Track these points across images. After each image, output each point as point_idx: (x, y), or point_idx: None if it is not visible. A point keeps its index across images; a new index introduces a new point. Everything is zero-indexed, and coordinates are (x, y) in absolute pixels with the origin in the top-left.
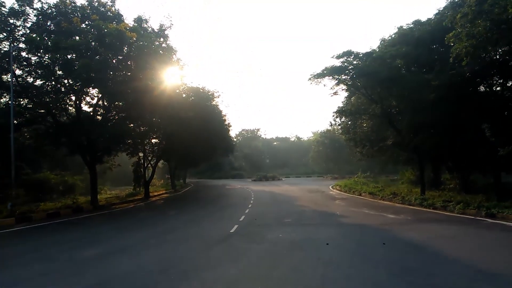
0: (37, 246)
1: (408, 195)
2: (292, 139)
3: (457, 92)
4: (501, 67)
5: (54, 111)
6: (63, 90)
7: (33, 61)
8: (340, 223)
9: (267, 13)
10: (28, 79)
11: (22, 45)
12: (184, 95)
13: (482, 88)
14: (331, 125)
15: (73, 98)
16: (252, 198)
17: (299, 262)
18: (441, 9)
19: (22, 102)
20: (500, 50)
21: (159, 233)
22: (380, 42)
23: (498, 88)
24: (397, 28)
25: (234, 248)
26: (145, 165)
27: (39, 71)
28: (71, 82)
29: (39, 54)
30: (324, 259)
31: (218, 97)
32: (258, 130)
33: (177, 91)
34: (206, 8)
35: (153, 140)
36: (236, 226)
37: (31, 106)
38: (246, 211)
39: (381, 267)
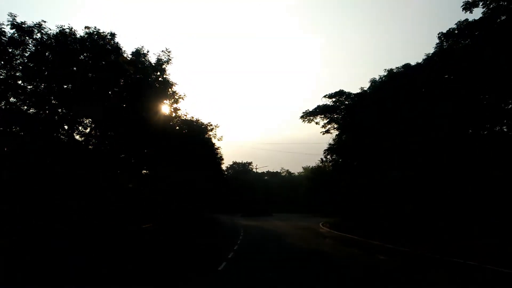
0: None
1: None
2: (283, 174)
3: None
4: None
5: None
6: (56, 118)
7: (28, 89)
8: (332, 268)
9: (264, 51)
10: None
11: (18, 73)
12: (177, 128)
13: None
14: (322, 161)
15: (66, 127)
16: (242, 234)
17: None
18: (430, 54)
19: (14, 130)
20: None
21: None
22: (371, 84)
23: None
24: (387, 70)
25: None
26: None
27: (34, 99)
28: (65, 112)
29: (35, 83)
30: None
31: (212, 130)
32: (249, 164)
33: (171, 123)
34: (204, 44)
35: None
36: (224, 264)
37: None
38: (235, 248)
39: None
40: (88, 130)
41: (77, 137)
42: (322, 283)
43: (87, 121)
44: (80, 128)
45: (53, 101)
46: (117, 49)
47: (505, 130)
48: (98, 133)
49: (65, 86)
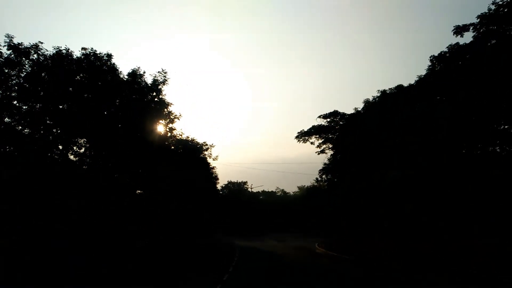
0: None
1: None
2: (278, 194)
3: None
4: None
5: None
6: (51, 138)
7: (23, 109)
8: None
9: (262, 75)
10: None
11: (14, 94)
12: (172, 147)
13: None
14: (317, 181)
15: (60, 147)
16: (237, 255)
17: None
18: (422, 76)
19: (8, 150)
20: None
21: None
22: (364, 104)
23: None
24: (380, 91)
25: None
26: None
27: (29, 119)
28: (59, 132)
29: (30, 104)
30: None
31: (207, 150)
32: (245, 183)
33: (166, 143)
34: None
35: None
36: (219, 287)
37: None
38: (230, 269)
39: None
40: (82, 150)
41: (71, 157)
42: None
43: (82, 141)
44: (74, 148)
45: (48, 121)
46: (113, 69)
47: (498, 150)
48: (92, 153)
49: (61, 106)
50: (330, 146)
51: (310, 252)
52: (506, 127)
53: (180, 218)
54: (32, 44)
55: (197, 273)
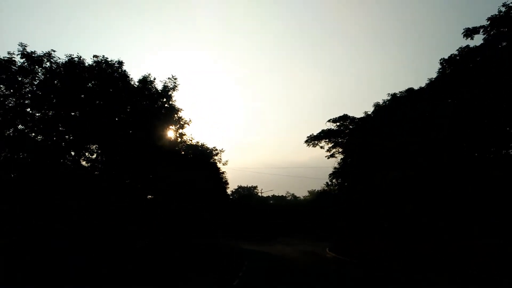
0: None
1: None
2: (288, 198)
3: None
4: None
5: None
6: (63, 145)
7: (36, 117)
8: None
9: (271, 79)
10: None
11: (27, 101)
12: (182, 152)
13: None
14: (328, 185)
15: (73, 153)
16: (247, 261)
17: None
18: (433, 79)
19: (21, 156)
20: None
21: None
22: (374, 108)
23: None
24: (390, 95)
25: None
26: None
27: (41, 126)
28: (72, 138)
29: (43, 111)
30: None
31: (217, 155)
32: (255, 188)
33: (176, 148)
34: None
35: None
36: None
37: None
38: (240, 274)
39: None
40: (94, 156)
41: (83, 163)
42: None
43: (94, 147)
44: (86, 154)
45: (60, 128)
46: (124, 76)
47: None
48: (104, 159)
49: (73, 113)
50: (340, 150)
51: (319, 257)
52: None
53: (189, 223)
54: (45, 52)
55: (201, 275)
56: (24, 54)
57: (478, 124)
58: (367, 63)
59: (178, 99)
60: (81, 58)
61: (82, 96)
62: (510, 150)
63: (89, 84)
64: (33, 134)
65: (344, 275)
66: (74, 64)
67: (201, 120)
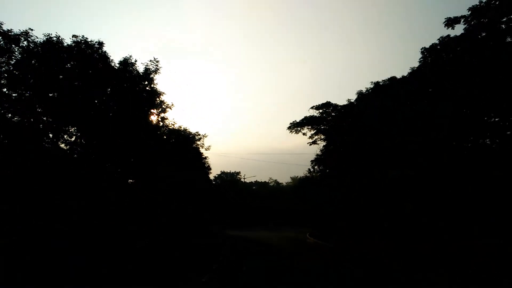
0: None
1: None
2: (271, 184)
3: None
4: None
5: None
6: (41, 127)
7: (13, 97)
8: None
9: (256, 63)
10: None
11: (3, 81)
12: (165, 137)
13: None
14: (310, 172)
15: (51, 135)
16: (228, 244)
17: None
18: (415, 68)
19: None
20: None
21: None
22: (357, 96)
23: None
24: (374, 83)
25: None
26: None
27: (18, 107)
28: (50, 120)
29: (20, 91)
30: None
31: (200, 140)
32: (238, 173)
33: (159, 132)
34: (195, 55)
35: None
36: (208, 276)
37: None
38: (220, 258)
39: None
40: (73, 138)
41: (62, 145)
42: None
43: (73, 130)
44: (65, 136)
45: (38, 109)
46: (104, 57)
47: (488, 142)
48: (83, 142)
49: (51, 94)
50: (322, 137)
51: (300, 242)
52: (496, 119)
53: (169, 208)
54: (22, 31)
55: (185, 261)
56: (0, 33)
57: (468, 116)
58: (353, 51)
59: (161, 84)
60: (60, 38)
61: (61, 77)
62: (487, 140)
63: (68, 64)
64: (9, 115)
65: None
66: (52, 44)
67: (184, 106)
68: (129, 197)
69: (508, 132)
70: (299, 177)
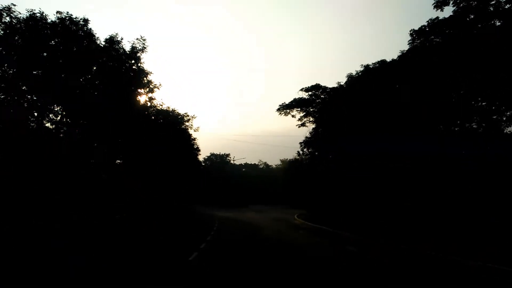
0: None
1: (368, 228)
2: (261, 166)
3: None
4: None
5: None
6: (26, 106)
7: None
8: (302, 257)
9: (244, 44)
10: None
11: None
12: (153, 117)
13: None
14: (299, 154)
15: (36, 114)
16: (216, 225)
17: None
18: (404, 51)
19: None
20: None
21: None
22: (347, 78)
23: None
24: (364, 66)
25: (189, 280)
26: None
27: (2, 85)
28: (35, 98)
29: (3, 69)
30: None
31: (188, 121)
32: (227, 155)
33: (146, 113)
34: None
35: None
36: (195, 254)
37: None
38: (208, 238)
39: None
40: (59, 117)
41: (48, 124)
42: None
43: (58, 109)
44: (50, 115)
45: (22, 87)
46: (90, 35)
47: (474, 126)
48: (69, 121)
49: (35, 72)
50: (311, 119)
51: (288, 223)
52: (483, 103)
53: (159, 189)
54: (4, 6)
55: (176, 242)
56: None
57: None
58: (344, 34)
59: (149, 64)
60: (44, 14)
61: (45, 54)
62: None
63: (52, 41)
64: None
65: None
66: (36, 20)
67: (173, 86)
68: (117, 177)
69: (494, 117)
70: (288, 159)
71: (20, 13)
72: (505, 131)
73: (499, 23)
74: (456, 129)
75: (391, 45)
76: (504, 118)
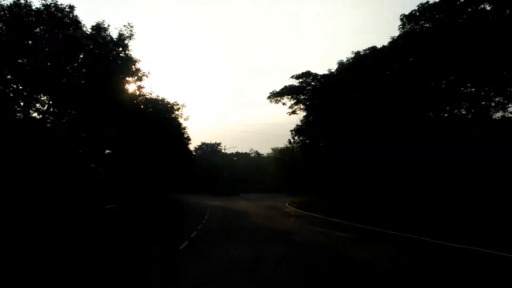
0: None
1: (357, 214)
2: (252, 155)
3: None
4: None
5: None
6: (11, 95)
7: None
8: (291, 241)
9: (233, 33)
10: None
11: None
12: (142, 107)
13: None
14: (290, 142)
15: (22, 104)
16: (207, 214)
17: (244, 282)
18: (395, 37)
19: None
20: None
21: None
22: (338, 65)
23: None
24: (354, 53)
25: (179, 267)
26: (97, 177)
27: None
28: (20, 88)
29: None
30: (270, 279)
31: (178, 110)
32: (218, 144)
33: (135, 101)
34: (172, 21)
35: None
36: (186, 243)
37: None
38: (199, 227)
39: (325, 285)
40: (45, 107)
41: (35, 114)
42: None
43: (45, 98)
44: (37, 105)
45: (7, 76)
46: (76, 22)
47: (463, 113)
48: (56, 111)
49: (20, 61)
50: (302, 107)
51: (279, 211)
52: (472, 89)
53: (150, 179)
54: None
55: (166, 231)
56: None
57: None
58: (336, 19)
59: (139, 53)
60: (28, 1)
61: (30, 42)
62: (463, 110)
63: (37, 29)
64: None
65: None
66: (20, 7)
67: (163, 74)
68: (107, 167)
69: (482, 103)
70: (279, 148)
71: (4, 0)
72: (493, 117)
73: (489, 7)
74: (445, 115)
75: (387, 29)
76: (493, 104)
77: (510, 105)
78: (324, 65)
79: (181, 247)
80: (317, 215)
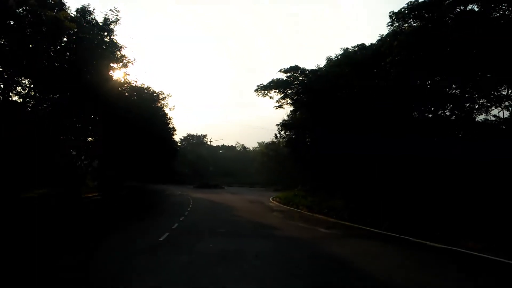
0: None
1: (343, 211)
2: (238, 149)
3: None
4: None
5: None
6: None
7: None
8: (273, 235)
9: (223, 23)
10: None
11: None
12: (126, 94)
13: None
14: (276, 137)
15: (1, 86)
16: (190, 206)
17: (223, 275)
18: (383, 35)
19: None
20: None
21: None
22: (327, 61)
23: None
24: (343, 49)
25: (158, 259)
26: (78, 165)
27: None
28: (0, 69)
29: None
30: (250, 272)
31: (164, 99)
32: (204, 136)
33: (120, 89)
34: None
35: (89, 139)
36: (166, 235)
37: None
38: (181, 219)
39: (305, 281)
40: (26, 91)
41: (16, 98)
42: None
43: (26, 81)
44: (18, 88)
45: None
46: (60, 4)
47: (447, 114)
48: (37, 95)
49: (1, 41)
50: (289, 101)
51: (263, 205)
52: (457, 91)
53: (134, 169)
54: None
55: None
56: None
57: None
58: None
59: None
60: None
61: (11, 22)
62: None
63: (19, 9)
64: None
65: None
66: None
67: (150, 63)
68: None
69: (466, 104)
70: (265, 142)
71: None
72: (476, 120)
73: (477, 9)
74: (430, 115)
75: (380, 25)
76: (477, 106)
77: (493, 108)
78: (317, 61)
79: (161, 239)
80: (300, 210)
